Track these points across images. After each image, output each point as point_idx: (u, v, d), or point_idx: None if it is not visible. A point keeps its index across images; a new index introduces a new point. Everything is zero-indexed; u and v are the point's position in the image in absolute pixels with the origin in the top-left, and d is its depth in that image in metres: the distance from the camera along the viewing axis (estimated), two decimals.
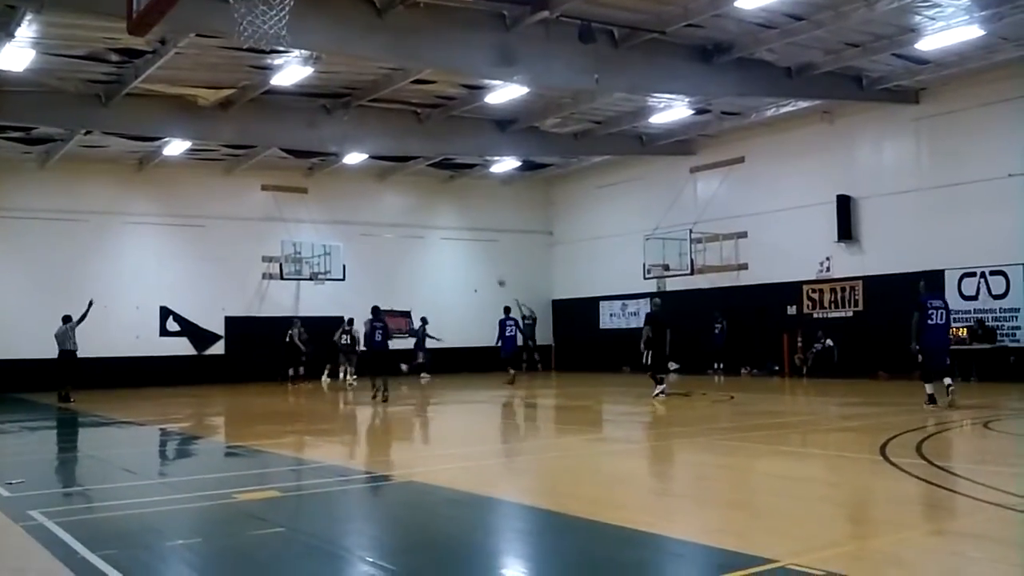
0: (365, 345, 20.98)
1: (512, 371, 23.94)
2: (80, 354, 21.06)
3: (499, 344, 24.96)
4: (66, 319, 20.94)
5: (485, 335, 31.02)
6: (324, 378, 26.59)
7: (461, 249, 32.17)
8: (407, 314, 30.50)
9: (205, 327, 27.65)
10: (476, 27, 17.24)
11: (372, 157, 27.11)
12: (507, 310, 26.05)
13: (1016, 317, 20.59)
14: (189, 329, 27.50)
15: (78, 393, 20.71)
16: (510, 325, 25.25)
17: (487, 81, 20.66)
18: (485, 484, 8.50)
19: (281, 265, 27.81)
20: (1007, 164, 20.44)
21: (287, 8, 9.78)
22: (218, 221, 27.74)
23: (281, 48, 16.81)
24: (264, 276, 28.22)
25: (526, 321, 29.36)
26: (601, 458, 10.59)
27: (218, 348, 27.83)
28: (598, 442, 12.61)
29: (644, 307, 28.01)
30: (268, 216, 28.48)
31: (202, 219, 27.58)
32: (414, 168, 29.46)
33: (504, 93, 21.31)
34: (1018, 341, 20.55)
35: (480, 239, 32.24)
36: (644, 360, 18.32)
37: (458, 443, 12.70)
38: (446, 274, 31.55)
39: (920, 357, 14.56)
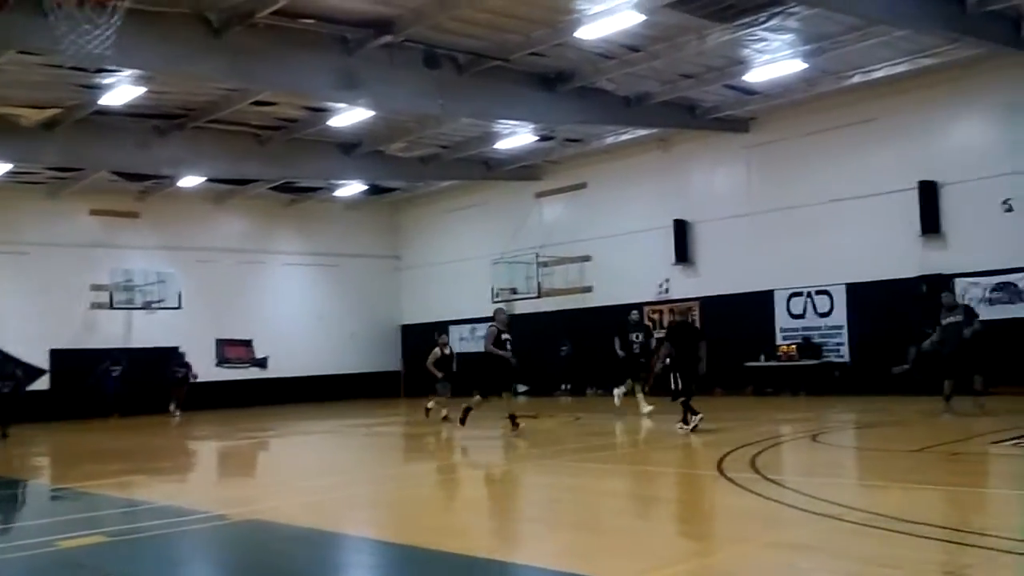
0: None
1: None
2: None
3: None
4: None
5: (329, 362, 30.52)
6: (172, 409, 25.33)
7: (304, 275, 31.46)
8: (248, 343, 29.55)
9: (28, 361, 25.85)
10: (318, 50, 16.94)
11: (210, 180, 26.20)
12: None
13: (840, 334, 21.86)
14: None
15: None
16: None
17: (330, 104, 20.35)
18: (328, 519, 8.24)
19: (111, 294, 26.37)
20: (830, 190, 21.75)
21: (113, 26, 9.30)
22: (42, 248, 26.02)
23: (109, 67, 16.02)
24: (93, 306, 26.69)
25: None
26: (448, 485, 10.50)
27: (43, 383, 26.05)
28: (445, 469, 12.50)
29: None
30: (97, 242, 26.96)
31: (24, 246, 25.84)
32: (254, 191, 28.66)
33: (348, 116, 21.04)
34: (842, 356, 21.81)
35: (324, 264, 31.63)
36: (673, 385, 14.03)
37: (300, 476, 12.31)
38: (289, 300, 30.73)
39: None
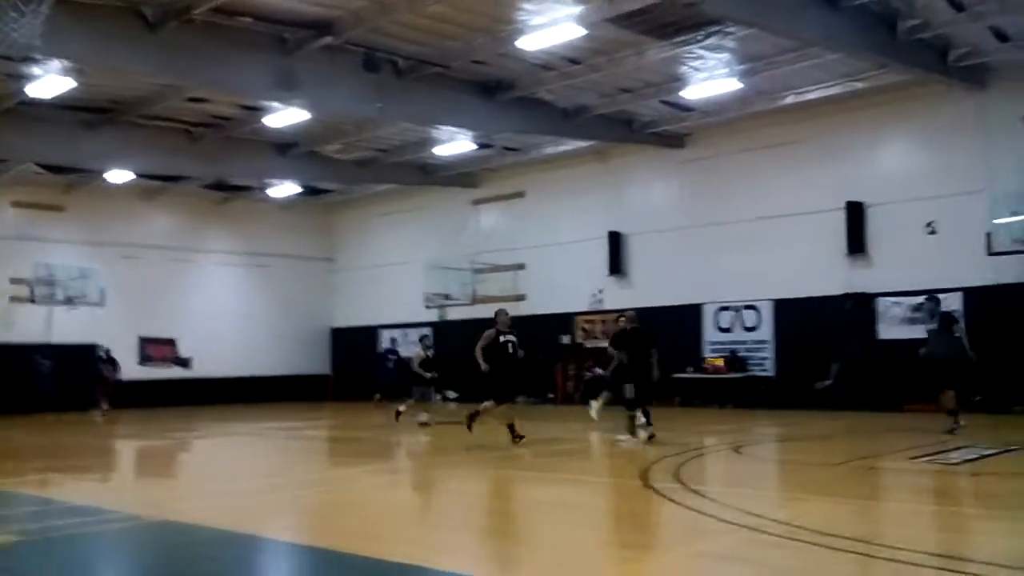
0: None
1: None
2: None
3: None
4: None
5: (257, 364, 30.07)
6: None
7: (234, 274, 30.96)
8: (172, 342, 28.94)
9: None
10: (256, 49, 16.72)
11: (139, 176, 25.64)
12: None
13: (766, 348, 22.29)
14: None
15: None
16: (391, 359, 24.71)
17: (266, 103, 20.08)
18: (247, 521, 8.09)
19: (32, 288, 25.56)
20: (761, 207, 22.19)
21: (42, 15, 9.04)
22: None
23: (37, 57, 15.56)
24: (12, 300, 25.85)
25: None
26: (371, 490, 10.40)
27: None
28: (369, 474, 12.38)
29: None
30: (19, 235, 26.15)
31: None
32: (185, 188, 28.14)
33: (284, 116, 20.77)
34: (767, 371, 22.24)
35: (255, 264, 31.17)
36: (626, 394, 13.80)
37: (221, 478, 12.07)
38: (217, 300, 30.18)
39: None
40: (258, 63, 16.97)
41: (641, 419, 13.54)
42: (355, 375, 31.50)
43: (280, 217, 31.57)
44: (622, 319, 14.49)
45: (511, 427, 13.59)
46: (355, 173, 26.77)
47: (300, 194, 29.99)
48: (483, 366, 13.59)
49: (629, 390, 13.68)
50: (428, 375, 18.26)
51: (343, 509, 9.03)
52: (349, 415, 24.45)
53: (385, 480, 11.57)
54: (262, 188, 28.89)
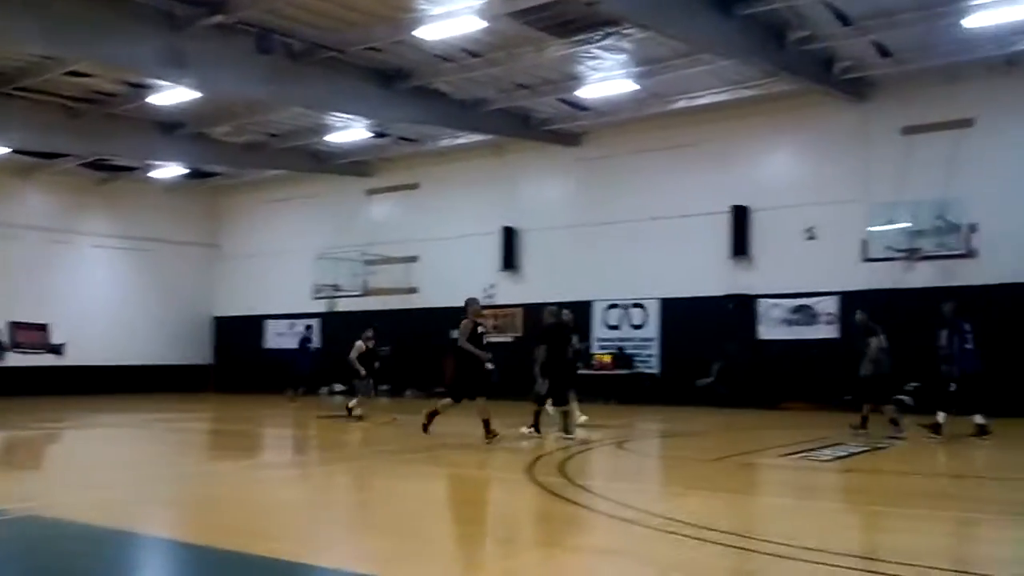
0: None
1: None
2: None
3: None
4: None
5: (135, 352, 29.03)
6: None
7: (114, 258, 29.69)
8: (43, 327, 27.62)
9: None
10: (143, 23, 16.04)
11: (14, 152, 24.37)
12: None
13: (652, 346, 22.76)
14: None
15: None
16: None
17: (152, 80, 19.35)
18: (120, 516, 7.77)
19: None
20: (651, 208, 22.60)
21: None
22: None
23: None
24: None
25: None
26: (257, 485, 10.15)
27: None
28: (255, 468, 12.10)
29: (306, 328, 27.59)
30: None
31: None
32: (63, 166, 26.86)
33: (171, 95, 20.04)
34: (652, 368, 22.72)
35: (137, 248, 29.94)
36: (539, 389, 13.99)
37: (93, 471, 11.57)
38: (95, 285, 28.92)
39: (953, 385, 13.28)
40: (145, 38, 16.29)
41: (551, 412, 13.75)
42: (239, 366, 30.75)
43: (163, 200, 30.46)
44: (546, 313, 14.68)
45: (486, 423, 13.02)
46: (244, 157, 26.07)
47: (185, 176, 29.02)
48: (483, 356, 12.95)
49: (542, 385, 13.80)
50: (363, 370, 17.73)
51: (224, 504, 8.77)
52: (232, 407, 23.84)
53: (272, 474, 11.31)
54: (145, 169, 27.83)
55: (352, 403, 17.83)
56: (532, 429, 13.82)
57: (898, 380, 13.90)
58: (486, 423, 12.96)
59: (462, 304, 13.73)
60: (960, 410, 13.25)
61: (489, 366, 13.06)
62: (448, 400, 13.49)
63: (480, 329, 13.26)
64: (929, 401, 13.34)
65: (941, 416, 13.23)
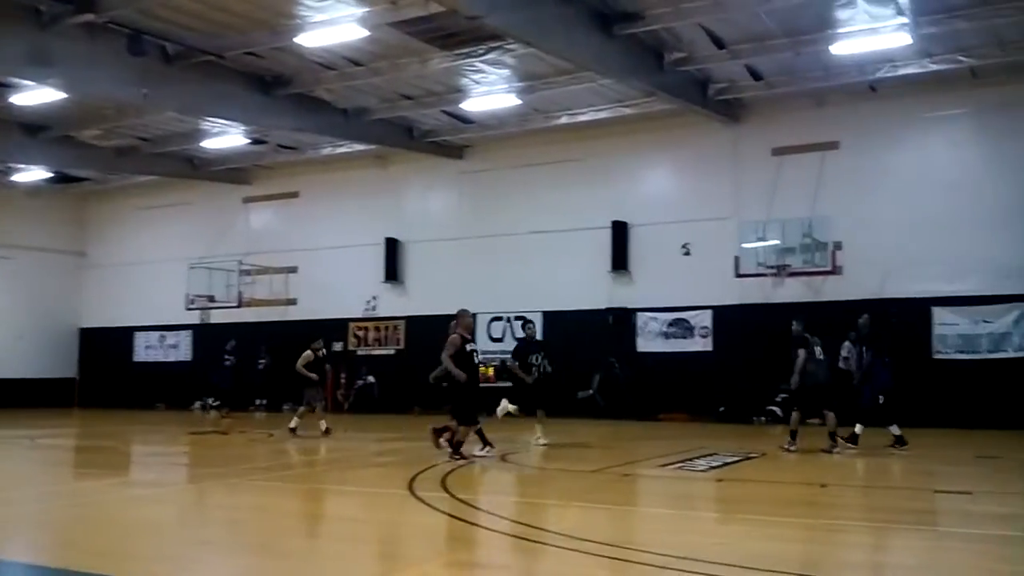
0: None
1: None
2: None
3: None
4: None
5: None
6: None
7: None
8: None
9: None
10: (5, 18, 15.28)
11: None
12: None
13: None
14: None
15: None
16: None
17: (15, 80, 18.39)
18: None
19: None
20: (533, 221, 22.83)
21: None
22: None
23: None
24: None
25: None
26: (122, 504, 9.68)
27: None
28: (120, 486, 11.55)
29: (184, 339, 26.79)
30: None
31: None
32: None
33: (35, 95, 19.10)
34: None
35: None
36: (499, 407, 14.33)
37: None
38: None
39: (882, 398, 13.54)
40: (8, 35, 15.51)
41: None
42: (106, 379, 29.44)
43: (26, 205, 28.93)
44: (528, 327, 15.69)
45: (480, 433, 12.80)
46: (114, 162, 25.04)
47: (50, 181, 27.66)
48: (460, 375, 12.31)
49: (503, 404, 14.44)
50: (314, 376, 17.21)
51: (90, 525, 8.33)
52: (98, 422, 22.78)
53: (139, 493, 10.81)
54: (6, 172, 26.39)
55: (293, 422, 17.09)
56: (487, 448, 13.13)
57: (835, 390, 14.07)
58: (457, 444, 12.53)
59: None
60: (875, 422, 13.64)
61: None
62: (463, 428, 12.67)
63: (469, 347, 12.64)
64: (848, 414, 13.70)
65: (859, 428, 13.71)
